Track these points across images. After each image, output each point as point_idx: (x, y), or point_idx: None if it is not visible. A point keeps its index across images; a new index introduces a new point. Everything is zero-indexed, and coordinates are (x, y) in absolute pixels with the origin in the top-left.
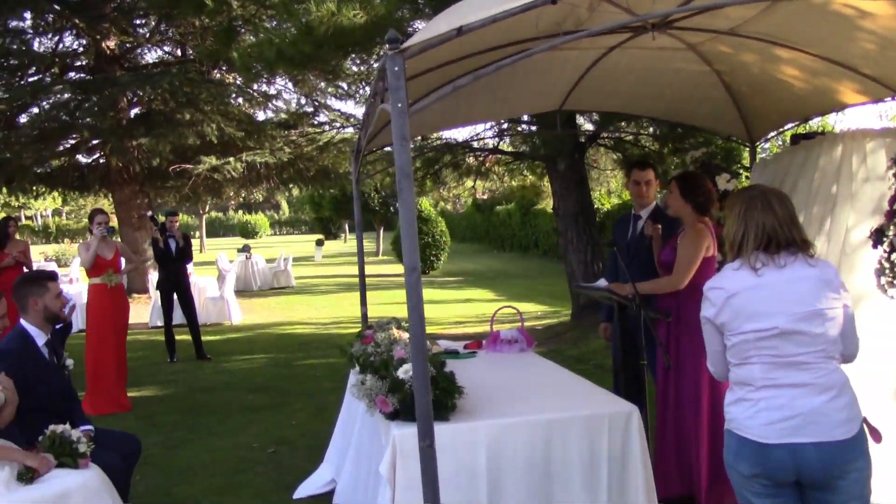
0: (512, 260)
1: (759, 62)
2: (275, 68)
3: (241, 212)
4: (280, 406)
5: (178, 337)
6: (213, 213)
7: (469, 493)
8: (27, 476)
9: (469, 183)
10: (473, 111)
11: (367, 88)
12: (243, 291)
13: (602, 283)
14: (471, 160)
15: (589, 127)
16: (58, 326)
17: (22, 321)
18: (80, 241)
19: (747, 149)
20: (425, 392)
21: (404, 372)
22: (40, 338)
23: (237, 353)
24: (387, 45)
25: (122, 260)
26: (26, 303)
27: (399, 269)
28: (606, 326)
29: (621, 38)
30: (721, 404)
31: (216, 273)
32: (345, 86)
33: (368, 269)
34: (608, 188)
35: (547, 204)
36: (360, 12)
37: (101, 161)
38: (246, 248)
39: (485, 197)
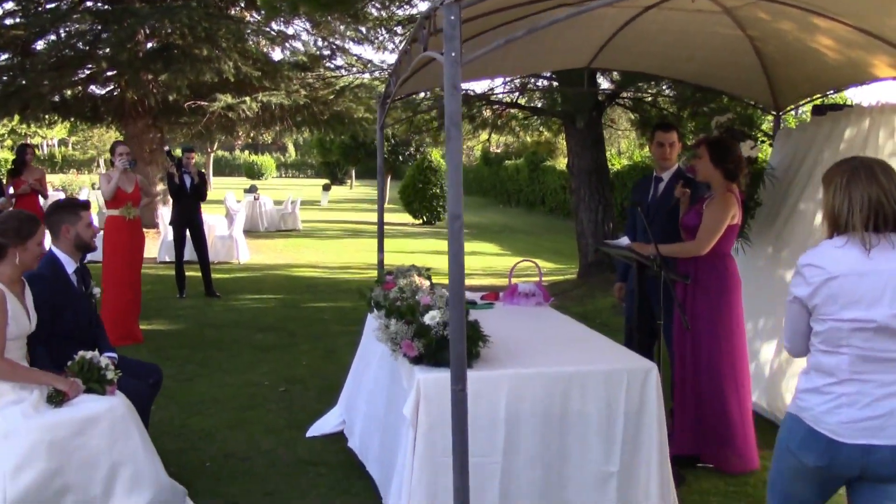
0: (518, 215)
1: (795, 30)
2: (298, 7)
3: (247, 152)
4: (289, 346)
5: (187, 273)
6: (220, 152)
7: (488, 439)
8: (57, 399)
9: (484, 136)
10: (503, 64)
11: (386, 34)
12: (250, 231)
13: (624, 240)
14: (487, 113)
15: (608, 86)
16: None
17: (52, 247)
18: (96, 171)
19: (766, 116)
20: (461, 338)
21: (430, 318)
22: (69, 265)
23: (245, 293)
24: None
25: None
26: (59, 229)
27: (404, 217)
28: (621, 286)
29: None
30: (739, 372)
31: (224, 211)
32: (363, 30)
33: (371, 217)
34: (618, 149)
35: (557, 161)
36: None
37: (116, 93)
38: (253, 189)
39: (498, 150)
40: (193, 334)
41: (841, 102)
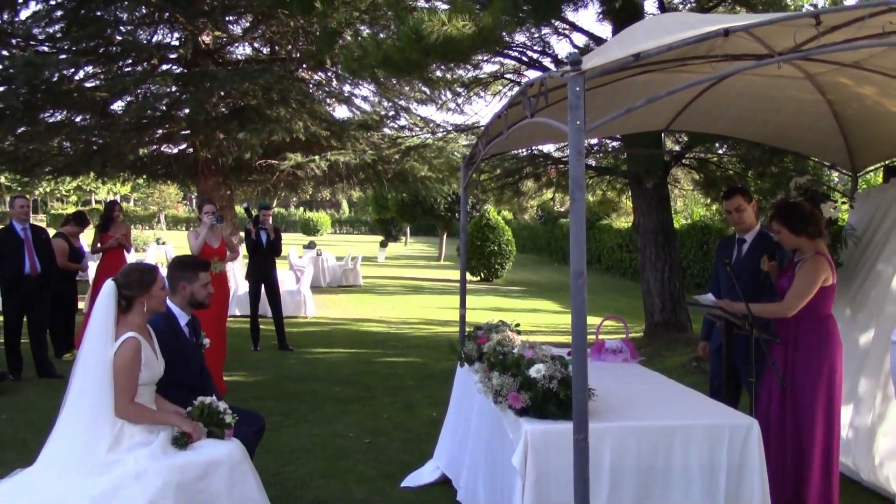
0: None
1: (876, 94)
2: (378, 71)
3: (302, 209)
4: (368, 399)
5: (261, 327)
6: (276, 209)
7: (592, 490)
8: (182, 441)
9: (548, 195)
10: (535, 130)
11: (449, 94)
12: (313, 287)
13: (709, 297)
14: (552, 173)
15: (673, 146)
16: None
17: (168, 301)
18: (157, 227)
19: (835, 174)
20: (584, 388)
21: (536, 371)
22: (182, 318)
23: (316, 346)
24: (568, 66)
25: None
26: (176, 285)
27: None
28: (705, 345)
29: (745, 64)
30: (833, 433)
31: (286, 266)
32: (427, 91)
33: (431, 274)
34: (674, 208)
35: (614, 220)
36: (468, 23)
37: (189, 152)
38: (312, 245)
39: (563, 209)
40: (274, 386)
41: None
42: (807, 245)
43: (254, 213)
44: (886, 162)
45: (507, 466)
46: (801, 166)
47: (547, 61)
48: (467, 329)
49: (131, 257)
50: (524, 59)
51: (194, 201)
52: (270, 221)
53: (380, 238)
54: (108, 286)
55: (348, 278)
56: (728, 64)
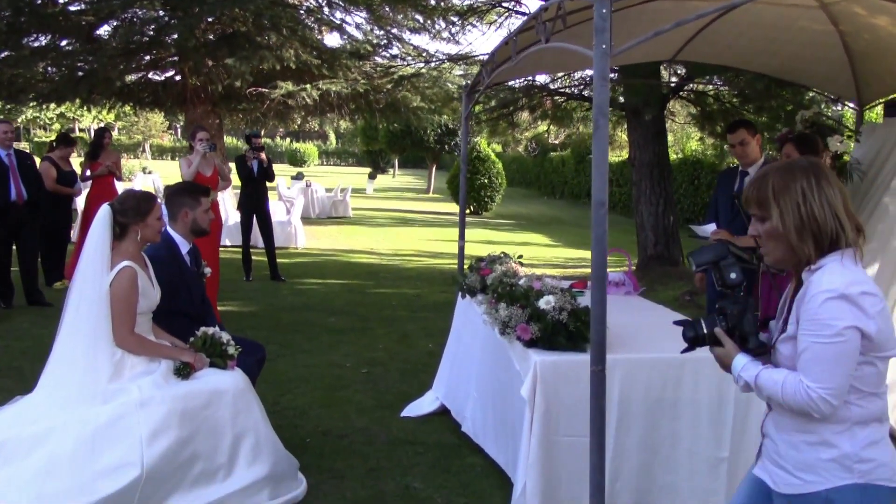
0: (564, 207)
1: (891, 24)
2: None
3: (289, 140)
4: (363, 330)
5: (253, 258)
6: (264, 140)
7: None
8: (184, 371)
9: (543, 127)
10: (549, 58)
11: (443, 23)
12: (303, 218)
13: (710, 227)
14: (547, 104)
15: (672, 79)
16: None
17: (168, 228)
18: (142, 157)
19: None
20: (602, 319)
21: (546, 303)
22: (184, 246)
23: (308, 277)
24: None
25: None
26: (177, 212)
27: (451, 207)
28: (703, 276)
29: None
30: None
31: (275, 197)
32: (420, 19)
33: (420, 206)
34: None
35: (612, 154)
36: None
37: (177, 79)
38: (300, 176)
39: (557, 142)
40: (269, 316)
41: None
42: None
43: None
44: (893, 96)
45: (516, 397)
46: (800, 99)
47: None
48: (465, 261)
49: (120, 186)
50: None
51: (180, 131)
52: (263, 148)
53: (368, 170)
54: (104, 211)
55: (338, 210)
56: None
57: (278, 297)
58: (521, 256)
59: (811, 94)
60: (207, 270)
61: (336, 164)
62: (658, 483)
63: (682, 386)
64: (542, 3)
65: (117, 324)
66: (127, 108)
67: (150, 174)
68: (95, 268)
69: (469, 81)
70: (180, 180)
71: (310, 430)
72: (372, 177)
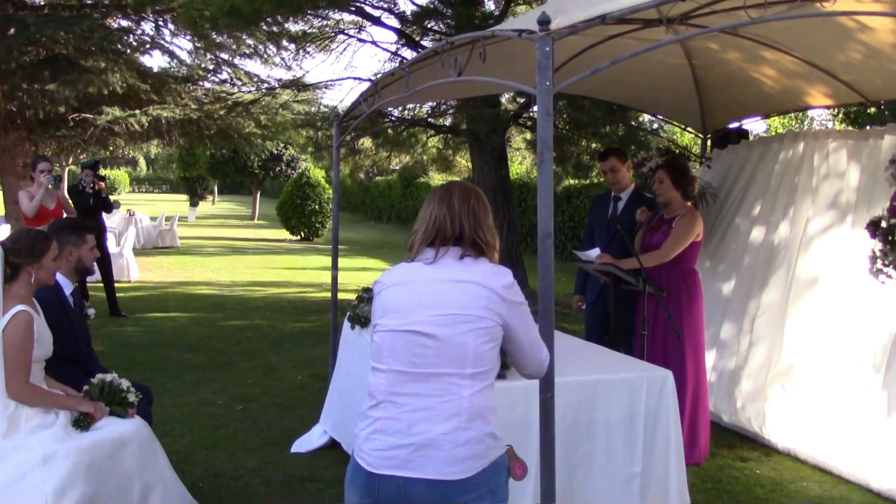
0: (392, 231)
1: (741, 60)
2: (222, 23)
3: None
4: (226, 365)
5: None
6: (70, 166)
7: (523, 446)
8: (84, 422)
9: (384, 154)
10: (456, 87)
11: (273, 48)
12: None
13: (594, 252)
14: (390, 131)
15: (510, 106)
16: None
17: None
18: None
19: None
20: (551, 347)
21: None
22: (67, 286)
23: (151, 311)
24: (537, 27)
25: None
26: (62, 250)
27: (281, 234)
28: (580, 298)
29: (628, 28)
30: (702, 377)
31: None
32: (251, 43)
33: (246, 233)
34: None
35: (432, 178)
36: None
37: None
38: (117, 205)
39: (397, 168)
40: (119, 356)
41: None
42: (678, 201)
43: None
44: (735, 125)
45: None
46: (632, 132)
47: (391, 19)
48: (351, 292)
49: None
50: (365, 14)
51: None
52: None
53: (184, 196)
54: None
55: (164, 239)
56: (684, 29)
57: (124, 334)
58: None
59: (643, 120)
60: (91, 311)
61: (149, 190)
62: (581, 501)
63: (596, 406)
64: (438, 41)
65: (11, 374)
66: None
67: None
68: None
69: (338, 110)
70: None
71: (199, 474)
72: (194, 204)
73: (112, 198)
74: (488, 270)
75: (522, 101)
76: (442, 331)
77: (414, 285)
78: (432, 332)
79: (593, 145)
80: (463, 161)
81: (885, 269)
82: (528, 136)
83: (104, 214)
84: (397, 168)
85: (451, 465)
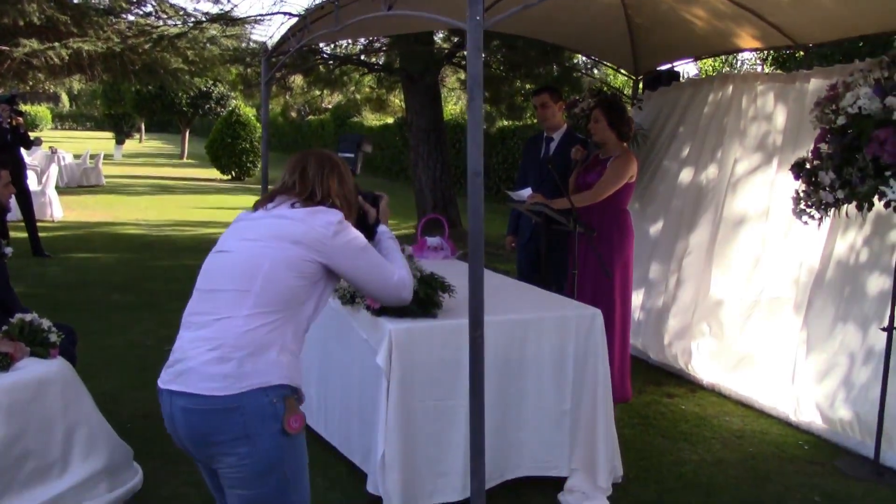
0: None
1: (673, 1)
2: None
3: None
4: (156, 305)
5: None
6: None
7: (453, 384)
8: (4, 363)
9: (316, 92)
10: (389, 22)
11: None
12: None
13: (526, 192)
14: (322, 69)
15: (444, 45)
16: None
17: None
18: None
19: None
20: (481, 287)
21: None
22: None
23: (76, 251)
24: None
25: None
26: None
27: (212, 173)
28: (513, 239)
29: None
30: (627, 316)
31: None
32: None
33: (176, 172)
34: None
35: (366, 118)
36: None
37: None
38: (38, 142)
39: (329, 106)
40: (44, 297)
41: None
42: (613, 142)
43: None
44: (666, 67)
45: (366, 368)
46: (565, 72)
47: None
48: None
49: None
50: None
51: None
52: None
53: (109, 134)
54: None
55: (89, 178)
56: None
57: (48, 274)
58: None
59: (577, 62)
60: (8, 250)
61: (72, 128)
62: (509, 439)
63: (526, 345)
64: None
65: None
66: None
67: None
68: None
69: (267, 46)
70: None
71: (128, 415)
72: (119, 142)
73: (33, 135)
74: (313, 210)
75: (456, 39)
76: (238, 244)
77: (242, 222)
78: (228, 248)
79: (527, 86)
80: (396, 101)
81: (808, 210)
82: (463, 76)
83: (24, 151)
84: (330, 107)
85: (207, 381)
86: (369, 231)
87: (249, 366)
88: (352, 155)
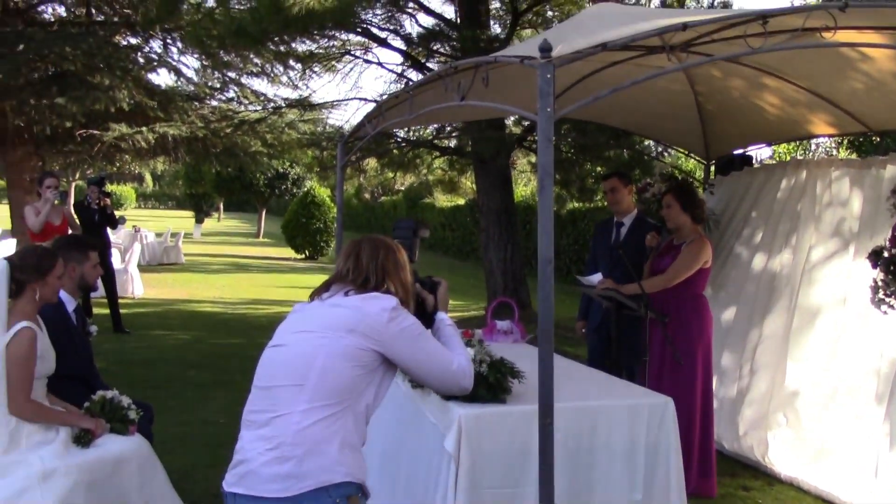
0: None
1: (743, 87)
2: (229, 42)
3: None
4: (228, 383)
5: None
6: (77, 182)
7: (523, 472)
8: (85, 439)
9: (389, 174)
10: (460, 110)
11: (280, 67)
12: None
13: (596, 277)
14: (395, 152)
15: (515, 129)
16: None
17: None
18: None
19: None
20: (550, 375)
21: None
22: (70, 303)
23: (154, 328)
24: (538, 54)
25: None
26: (65, 268)
27: (286, 252)
28: (584, 324)
29: (631, 55)
30: (709, 405)
31: None
32: (258, 62)
33: (252, 251)
34: None
35: (437, 200)
36: None
37: None
38: (122, 220)
39: (401, 188)
40: (122, 373)
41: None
42: (688, 226)
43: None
44: (740, 151)
45: (432, 452)
46: (635, 156)
47: (397, 41)
48: None
49: None
50: (371, 35)
51: None
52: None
53: (190, 213)
54: (1, 266)
55: (169, 256)
56: (686, 56)
57: (127, 350)
58: None
59: (647, 145)
60: (93, 328)
61: (155, 206)
62: None
63: (596, 433)
64: (444, 63)
65: (14, 390)
66: None
67: None
68: None
69: (343, 131)
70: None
71: (200, 493)
72: (199, 220)
73: (118, 213)
74: (367, 296)
75: (527, 124)
76: (293, 338)
77: (297, 314)
78: (283, 342)
79: (598, 169)
80: (468, 183)
81: (887, 300)
82: (533, 158)
83: (109, 230)
84: (402, 188)
85: (267, 483)
86: (428, 318)
87: (310, 464)
88: (408, 241)
